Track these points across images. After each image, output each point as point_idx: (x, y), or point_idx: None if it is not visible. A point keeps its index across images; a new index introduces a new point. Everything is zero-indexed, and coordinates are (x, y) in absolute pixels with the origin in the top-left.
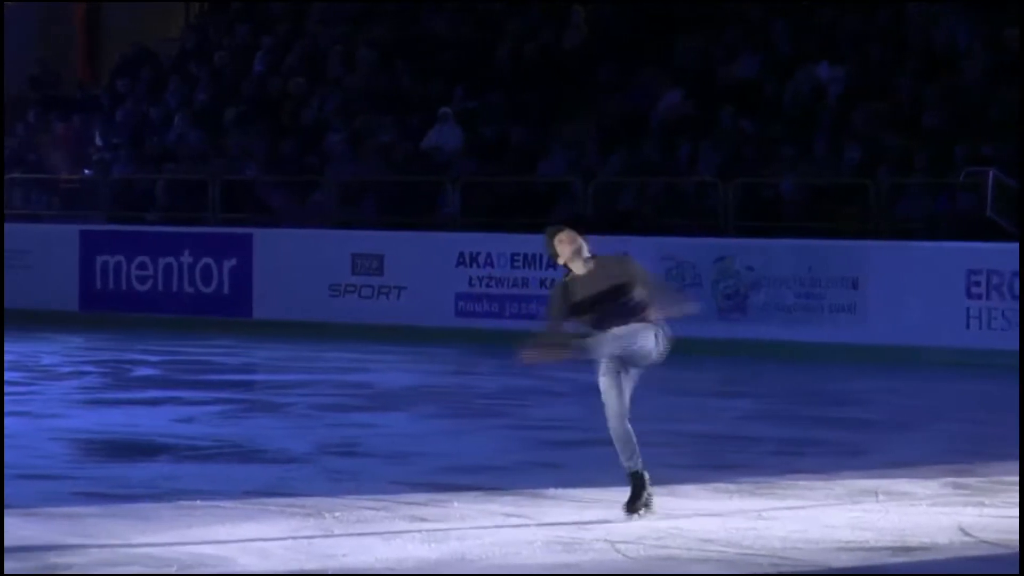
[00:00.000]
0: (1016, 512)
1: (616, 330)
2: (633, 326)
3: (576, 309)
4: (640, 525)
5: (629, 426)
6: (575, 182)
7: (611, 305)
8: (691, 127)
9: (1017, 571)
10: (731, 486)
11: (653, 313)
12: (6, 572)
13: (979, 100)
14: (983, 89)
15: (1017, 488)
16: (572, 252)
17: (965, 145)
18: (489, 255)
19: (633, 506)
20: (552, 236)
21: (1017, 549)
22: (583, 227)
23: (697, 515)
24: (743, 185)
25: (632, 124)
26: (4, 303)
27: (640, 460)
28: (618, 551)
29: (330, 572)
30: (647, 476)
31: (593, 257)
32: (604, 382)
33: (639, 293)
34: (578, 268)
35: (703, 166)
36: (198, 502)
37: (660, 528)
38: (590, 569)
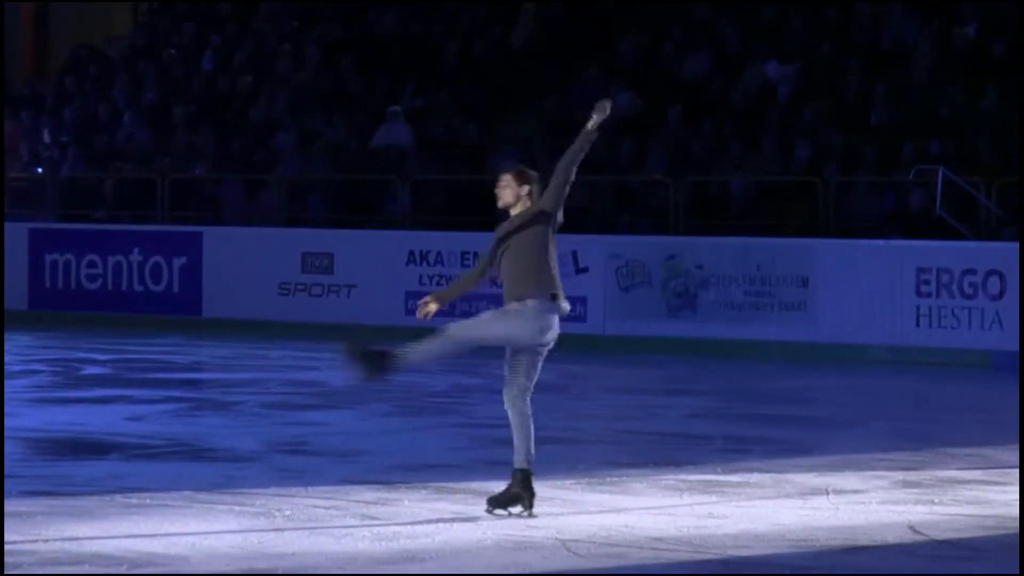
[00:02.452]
0: (968, 510)
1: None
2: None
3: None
4: (591, 523)
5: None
6: None
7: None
8: (640, 125)
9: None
10: (681, 484)
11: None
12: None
13: (927, 98)
14: (931, 87)
15: (967, 485)
16: (511, 199)
17: (913, 143)
18: (439, 253)
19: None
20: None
21: (969, 548)
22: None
23: (647, 513)
24: (692, 183)
25: (580, 122)
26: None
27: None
28: (568, 549)
29: (280, 572)
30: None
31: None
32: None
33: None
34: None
35: (652, 164)
36: (148, 500)
37: (610, 526)
38: (540, 568)
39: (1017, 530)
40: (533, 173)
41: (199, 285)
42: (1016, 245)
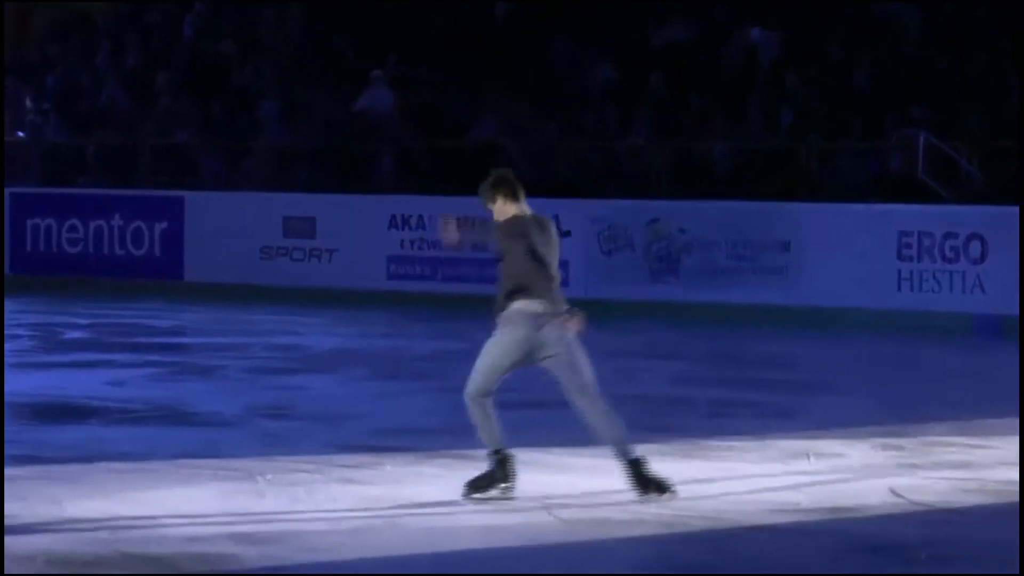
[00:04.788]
0: (950, 473)
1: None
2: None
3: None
4: (573, 487)
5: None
6: (509, 146)
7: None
8: (624, 92)
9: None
10: (664, 448)
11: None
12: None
13: (911, 64)
14: (915, 53)
15: (948, 448)
16: (497, 212)
17: (896, 109)
18: (421, 218)
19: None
20: (481, 193)
21: (950, 511)
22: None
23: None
24: (676, 149)
25: (566, 89)
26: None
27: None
28: (551, 514)
29: (262, 536)
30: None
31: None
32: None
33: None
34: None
35: (636, 131)
36: (129, 465)
37: (593, 490)
38: (522, 532)
39: (997, 494)
40: (488, 183)
41: (181, 249)
42: (997, 209)
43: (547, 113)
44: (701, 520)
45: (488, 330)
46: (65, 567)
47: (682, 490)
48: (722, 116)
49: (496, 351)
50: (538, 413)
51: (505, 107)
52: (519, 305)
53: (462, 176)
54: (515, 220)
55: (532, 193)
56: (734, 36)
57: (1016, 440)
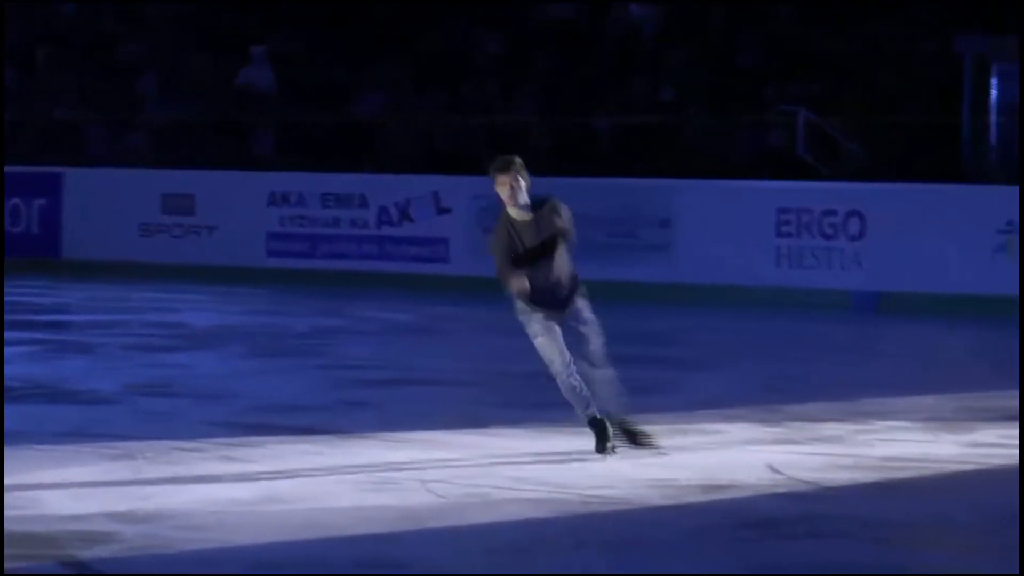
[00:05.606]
0: (827, 449)
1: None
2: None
3: (515, 259)
4: (454, 465)
5: (576, 377)
6: (391, 121)
7: (539, 262)
8: (509, 67)
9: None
10: (542, 426)
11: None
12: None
13: (791, 40)
14: (795, 29)
15: (826, 425)
16: (507, 196)
17: (777, 85)
18: (301, 195)
19: (600, 447)
20: (493, 174)
21: (826, 487)
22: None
23: (510, 454)
24: (559, 124)
25: (449, 63)
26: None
27: (594, 408)
28: (429, 490)
29: (142, 513)
30: (607, 420)
31: (531, 205)
32: (540, 341)
33: (563, 251)
34: (516, 212)
35: (520, 106)
36: (8, 443)
37: (473, 467)
38: (401, 508)
39: (874, 470)
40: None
41: (59, 227)
42: (876, 186)
43: (431, 88)
44: (578, 496)
45: (370, 308)
46: None
47: (559, 467)
48: (605, 92)
49: None
50: (421, 390)
51: (389, 82)
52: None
53: (344, 152)
54: None
55: (414, 169)
56: (616, 11)
57: (894, 415)
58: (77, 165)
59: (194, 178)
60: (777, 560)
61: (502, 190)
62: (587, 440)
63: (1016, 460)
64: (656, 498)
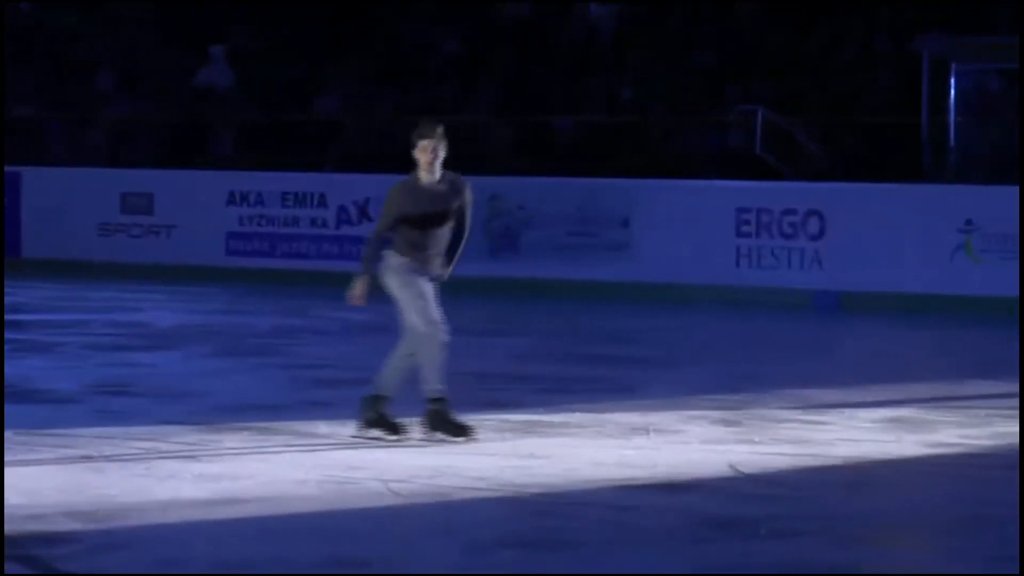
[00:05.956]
0: (787, 448)
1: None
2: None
3: (405, 218)
4: (412, 464)
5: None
6: (349, 121)
7: (433, 229)
8: (468, 66)
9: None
10: (503, 425)
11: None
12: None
13: (750, 39)
14: (754, 28)
15: (788, 424)
16: (427, 161)
17: (736, 84)
18: (260, 194)
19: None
20: (418, 137)
21: (785, 485)
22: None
23: (469, 453)
24: (518, 124)
25: (408, 62)
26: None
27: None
28: (390, 489)
29: (101, 513)
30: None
31: (443, 173)
32: (404, 292)
33: (451, 227)
34: (427, 179)
35: (478, 105)
36: None
37: (433, 466)
38: (362, 508)
39: (835, 469)
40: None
41: (18, 225)
42: (835, 185)
43: (390, 88)
44: (539, 496)
45: (330, 307)
46: None
47: (520, 466)
48: (564, 91)
49: None
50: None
51: (348, 81)
52: None
53: (302, 152)
54: None
55: (373, 169)
56: (575, 11)
57: (852, 414)
58: (36, 164)
59: (153, 177)
60: (739, 560)
61: (423, 155)
62: (545, 440)
63: (973, 458)
64: (615, 497)
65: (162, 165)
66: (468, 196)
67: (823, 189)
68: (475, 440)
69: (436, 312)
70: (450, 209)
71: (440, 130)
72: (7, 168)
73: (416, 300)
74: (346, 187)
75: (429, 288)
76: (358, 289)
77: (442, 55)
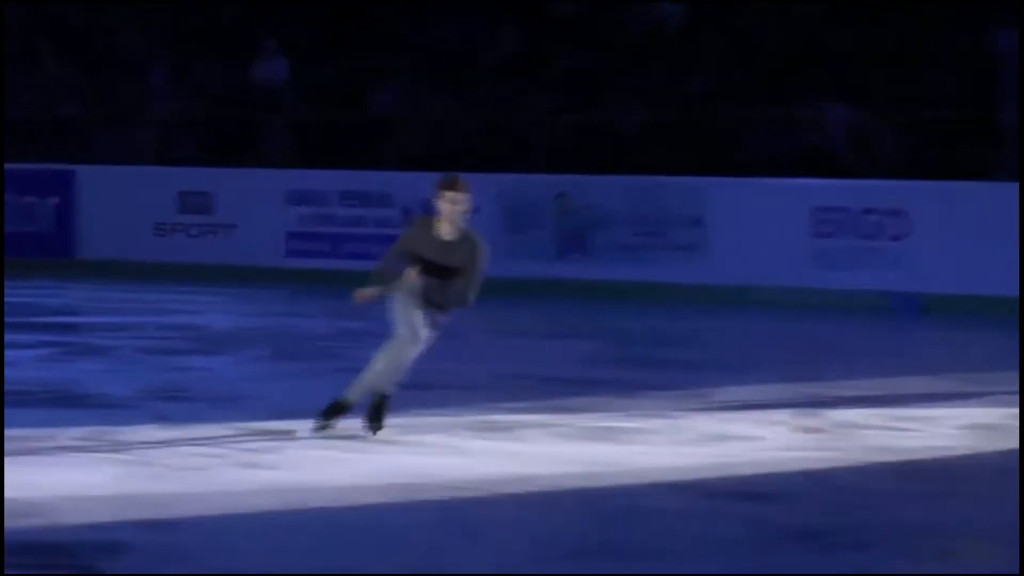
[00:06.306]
0: (867, 455)
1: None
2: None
3: (418, 260)
4: (481, 470)
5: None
6: (407, 118)
7: (440, 279)
8: (526, 61)
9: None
10: (573, 431)
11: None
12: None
13: (824, 31)
14: (829, 20)
15: (867, 431)
16: (453, 215)
17: (810, 78)
18: (321, 192)
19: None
20: (446, 188)
21: (866, 493)
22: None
23: (540, 460)
24: (583, 120)
25: (465, 58)
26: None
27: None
28: (458, 496)
29: (161, 520)
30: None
31: (463, 229)
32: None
33: (462, 282)
34: (445, 230)
35: (539, 101)
36: (20, 449)
37: (502, 473)
38: (429, 513)
39: (918, 477)
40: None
41: (73, 226)
42: (917, 183)
43: (448, 84)
44: (614, 504)
45: (387, 309)
46: None
47: (594, 474)
48: (630, 86)
49: None
50: (440, 393)
51: (404, 78)
52: None
53: (359, 148)
54: None
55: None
56: (639, 5)
57: (939, 422)
58: (86, 162)
59: (212, 176)
60: (813, 571)
61: (453, 207)
62: (617, 447)
63: None
64: (691, 506)
65: (213, 163)
66: (480, 256)
67: (905, 187)
68: (521, 441)
69: (421, 329)
70: (460, 269)
71: (469, 185)
72: (61, 167)
73: (406, 312)
74: (409, 186)
75: (422, 318)
76: (368, 292)
77: (501, 50)
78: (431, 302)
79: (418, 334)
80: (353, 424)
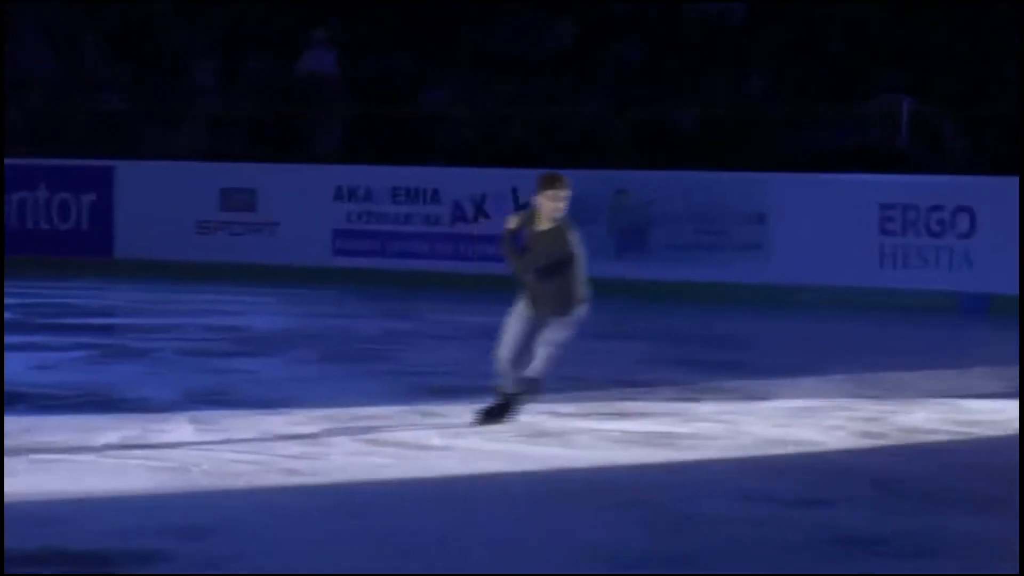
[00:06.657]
0: (933, 461)
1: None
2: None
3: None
4: (532, 475)
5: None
6: (460, 113)
7: (535, 276)
8: (581, 56)
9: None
10: (631, 436)
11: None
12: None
13: (888, 26)
14: (893, 13)
15: (933, 435)
16: (555, 211)
17: (874, 73)
18: (369, 189)
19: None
20: (549, 186)
21: (934, 500)
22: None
23: (595, 466)
24: (642, 117)
25: (520, 53)
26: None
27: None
28: (515, 504)
29: (197, 528)
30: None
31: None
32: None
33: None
34: (543, 224)
35: (594, 96)
36: (56, 454)
37: (549, 475)
38: (485, 522)
39: (983, 483)
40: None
41: (110, 223)
42: (985, 180)
43: (501, 79)
44: (673, 510)
45: (443, 310)
46: None
47: (647, 480)
48: (689, 81)
49: None
50: (488, 398)
51: (455, 72)
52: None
53: (409, 144)
54: None
55: (485, 162)
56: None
57: (1005, 426)
58: (127, 158)
59: (256, 172)
60: None
61: (556, 204)
62: (676, 452)
63: None
64: (750, 512)
65: (261, 159)
66: (572, 240)
67: (973, 184)
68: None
69: (508, 348)
70: (550, 263)
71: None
72: (99, 162)
73: (506, 326)
74: (460, 182)
75: (523, 323)
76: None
77: (556, 45)
78: (533, 301)
79: (503, 353)
80: (399, 430)
